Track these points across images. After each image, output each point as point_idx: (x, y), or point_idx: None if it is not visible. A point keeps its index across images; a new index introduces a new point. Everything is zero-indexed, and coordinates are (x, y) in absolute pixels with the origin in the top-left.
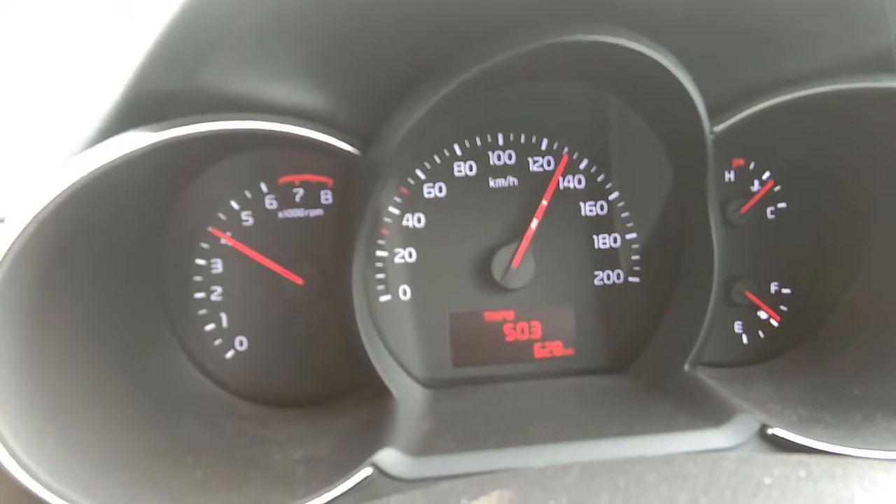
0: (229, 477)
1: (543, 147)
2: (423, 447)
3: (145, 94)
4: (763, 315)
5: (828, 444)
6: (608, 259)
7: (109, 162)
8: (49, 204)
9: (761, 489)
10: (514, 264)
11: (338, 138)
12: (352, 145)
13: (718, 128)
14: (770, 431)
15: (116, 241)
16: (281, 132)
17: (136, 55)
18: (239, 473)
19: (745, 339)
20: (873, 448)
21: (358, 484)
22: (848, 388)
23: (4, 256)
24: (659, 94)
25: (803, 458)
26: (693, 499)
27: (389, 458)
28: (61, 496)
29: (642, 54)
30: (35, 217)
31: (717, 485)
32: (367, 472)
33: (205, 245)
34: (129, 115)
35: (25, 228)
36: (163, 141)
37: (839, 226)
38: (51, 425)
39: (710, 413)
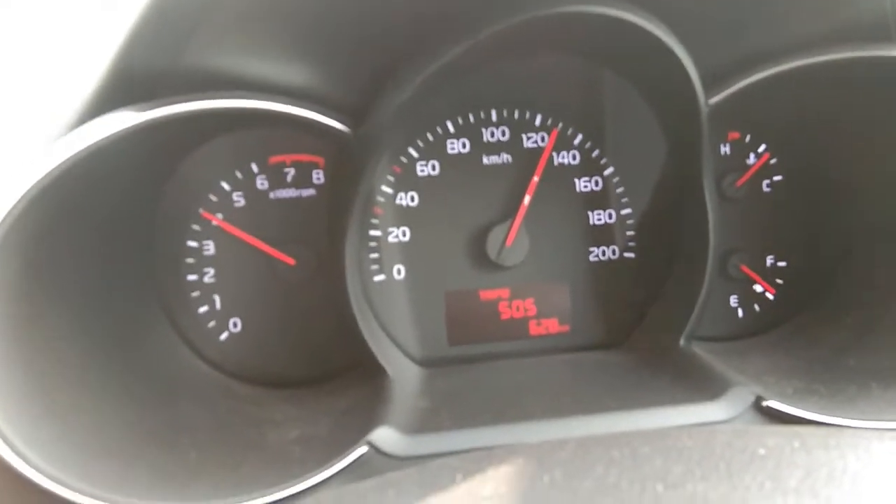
0: (225, 457)
1: (537, 123)
2: (419, 425)
3: (130, 72)
4: (759, 288)
5: (823, 416)
6: (603, 235)
7: (96, 142)
8: (33, 187)
9: (756, 460)
10: (509, 242)
11: (328, 115)
12: (342, 122)
13: (714, 99)
14: (765, 403)
15: (105, 224)
16: (268, 110)
17: (120, 33)
18: (234, 454)
19: (740, 312)
20: (869, 418)
21: (353, 462)
22: (843, 360)
23: None
24: (653, 65)
25: (798, 429)
26: (688, 470)
27: (385, 436)
28: (57, 480)
29: (635, 25)
30: (19, 201)
31: (712, 456)
32: (362, 450)
33: (196, 227)
34: (114, 94)
35: (10, 213)
36: (150, 121)
37: (835, 199)
38: (45, 411)
39: (706, 386)
